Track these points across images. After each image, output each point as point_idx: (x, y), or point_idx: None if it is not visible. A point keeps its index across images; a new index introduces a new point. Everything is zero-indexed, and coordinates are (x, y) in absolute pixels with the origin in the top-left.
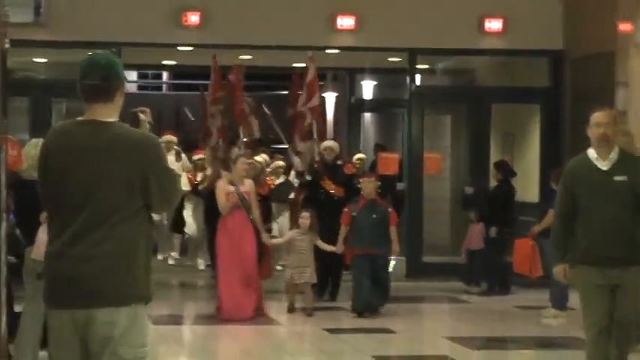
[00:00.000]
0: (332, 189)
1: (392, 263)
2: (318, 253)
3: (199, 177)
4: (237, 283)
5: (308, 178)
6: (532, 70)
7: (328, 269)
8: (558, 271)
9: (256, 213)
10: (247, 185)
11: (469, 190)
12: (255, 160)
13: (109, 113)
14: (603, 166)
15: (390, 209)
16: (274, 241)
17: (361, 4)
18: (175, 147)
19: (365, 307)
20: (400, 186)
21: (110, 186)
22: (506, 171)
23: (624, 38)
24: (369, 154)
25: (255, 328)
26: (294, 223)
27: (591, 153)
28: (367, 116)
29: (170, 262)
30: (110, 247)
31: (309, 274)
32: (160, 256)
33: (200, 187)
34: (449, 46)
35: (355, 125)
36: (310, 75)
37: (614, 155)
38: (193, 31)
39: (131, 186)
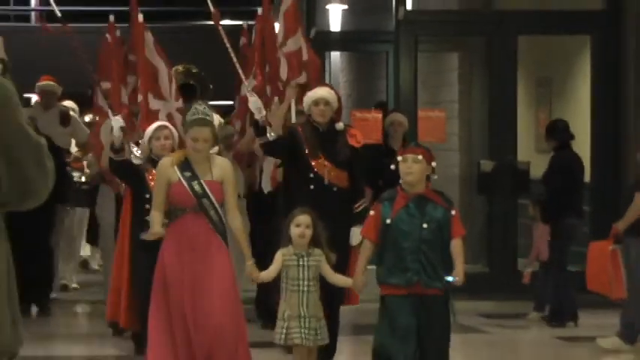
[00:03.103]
0: (332, 174)
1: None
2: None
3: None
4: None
5: (272, 136)
6: None
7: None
8: None
9: (237, 221)
10: (218, 168)
11: (486, 164)
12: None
13: None
14: None
15: (453, 210)
16: (263, 274)
17: None
18: (66, 105)
19: None
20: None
21: None
22: (564, 133)
23: None
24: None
25: None
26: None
27: None
28: (334, 58)
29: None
30: None
31: (317, 333)
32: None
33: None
34: None
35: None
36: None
37: None
38: None
39: None
